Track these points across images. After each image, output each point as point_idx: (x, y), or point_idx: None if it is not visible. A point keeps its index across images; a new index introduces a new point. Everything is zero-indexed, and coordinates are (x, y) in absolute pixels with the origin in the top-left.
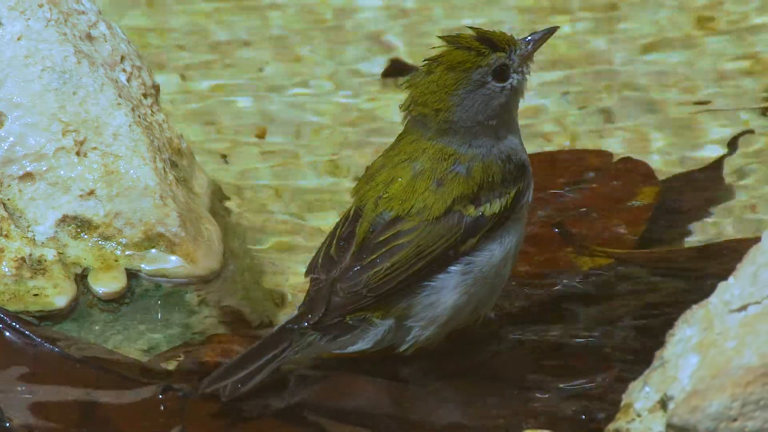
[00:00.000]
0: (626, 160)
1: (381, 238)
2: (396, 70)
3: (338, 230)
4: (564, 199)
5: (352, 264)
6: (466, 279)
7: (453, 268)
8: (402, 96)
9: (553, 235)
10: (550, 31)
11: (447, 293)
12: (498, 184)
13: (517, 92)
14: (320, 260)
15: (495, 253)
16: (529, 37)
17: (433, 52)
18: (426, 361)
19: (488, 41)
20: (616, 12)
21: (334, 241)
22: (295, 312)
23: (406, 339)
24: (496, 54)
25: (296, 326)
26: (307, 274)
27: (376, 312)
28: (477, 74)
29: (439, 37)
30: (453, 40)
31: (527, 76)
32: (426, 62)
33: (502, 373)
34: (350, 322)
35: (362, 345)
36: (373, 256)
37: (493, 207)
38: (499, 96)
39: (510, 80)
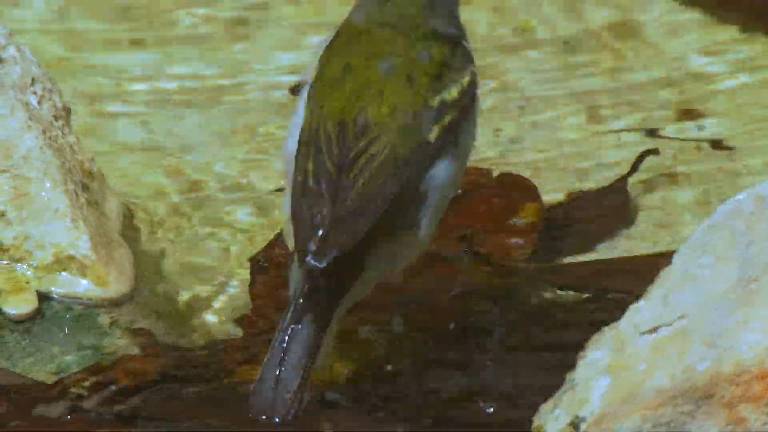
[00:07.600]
0: (506, 175)
1: (357, 148)
2: None
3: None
4: (445, 222)
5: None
6: (453, 164)
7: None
8: None
9: (448, 251)
10: None
11: (437, 180)
12: (454, 67)
13: None
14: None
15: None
16: None
17: None
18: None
19: None
20: None
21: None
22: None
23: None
24: None
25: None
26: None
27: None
28: None
29: None
30: None
31: None
32: None
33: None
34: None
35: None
36: (354, 172)
37: (452, 93)
38: None
39: None
